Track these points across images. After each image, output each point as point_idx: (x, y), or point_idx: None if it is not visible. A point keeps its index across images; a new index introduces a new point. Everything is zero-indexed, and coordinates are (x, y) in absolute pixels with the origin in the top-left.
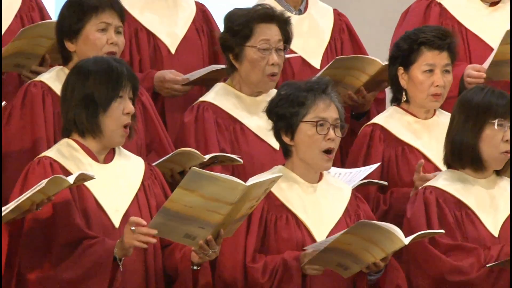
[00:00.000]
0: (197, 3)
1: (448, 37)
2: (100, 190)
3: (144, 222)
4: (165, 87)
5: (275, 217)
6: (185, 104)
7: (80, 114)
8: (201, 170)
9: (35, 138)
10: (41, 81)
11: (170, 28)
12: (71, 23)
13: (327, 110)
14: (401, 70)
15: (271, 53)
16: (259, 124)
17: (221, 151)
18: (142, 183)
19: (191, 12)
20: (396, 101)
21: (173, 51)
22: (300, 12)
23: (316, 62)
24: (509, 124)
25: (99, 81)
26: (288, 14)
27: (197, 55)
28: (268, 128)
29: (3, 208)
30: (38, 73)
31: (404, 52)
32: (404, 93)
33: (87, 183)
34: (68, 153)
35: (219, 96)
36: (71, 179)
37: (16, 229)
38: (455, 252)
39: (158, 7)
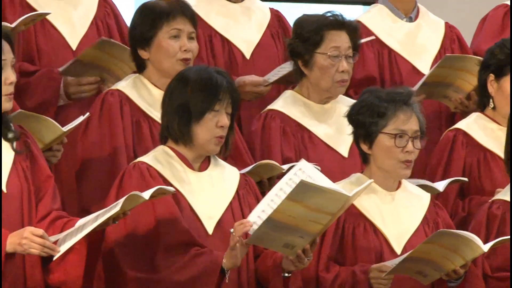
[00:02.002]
0: (271, 9)
1: None
2: (195, 197)
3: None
4: (246, 91)
5: (352, 225)
6: (259, 106)
7: (173, 121)
8: (309, 182)
9: (114, 147)
10: (118, 90)
11: (245, 33)
12: (143, 31)
13: (407, 122)
14: (491, 77)
15: (341, 60)
16: (328, 132)
17: (285, 159)
18: (237, 192)
19: (265, 17)
20: (483, 106)
21: (248, 56)
22: (410, 20)
23: (425, 68)
24: None
25: (197, 90)
26: (356, 22)
27: (272, 60)
28: (339, 135)
29: (79, 234)
30: None
31: (500, 62)
32: (491, 100)
33: (182, 190)
34: (164, 160)
35: (287, 104)
36: (147, 195)
37: (96, 240)
38: (491, 281)
39: (231, 13)
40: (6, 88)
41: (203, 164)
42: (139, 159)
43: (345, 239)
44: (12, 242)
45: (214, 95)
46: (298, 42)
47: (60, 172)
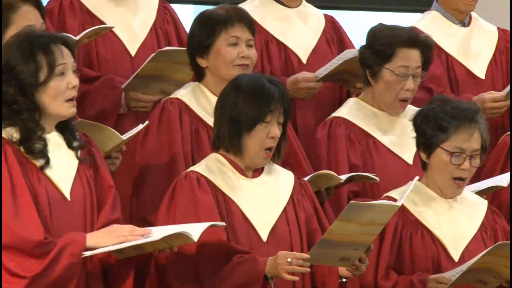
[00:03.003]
0: (325, 15)
1: None
2: (248, 205)
3: (303, 255)
4: (300, 87)
5: (410, 233)
6: (315, 110)
7: (224, 130)
8: (359, 202)
9: (172, 155)
10: (177, 98)
11: (301, 38)
12: (201, 39)
13: (468, 140)
14: None
15: (407, 79)
16: (392, 139)
17: (351, 166)
18: (291, 197)
19: (320, 23)
20: None
21: (304, 61)
22: (464, 25)
23: (481, 73)
24: None
25: (248, 102)
26: (432, 39)
27: None
28: (404, 142)
29: (122, 245)
30: None
31: None
32: None
33: (235, 198)
34: (216, 168)
35: (352, 111)
36: (196, 236)
37: (144, 258)
38: None
39: (287, 18)
40: (69, 92)
41: (256, 170)
42: (191, 168)
43: (403, 246)
44: (96, 237)
45: (266, 106)
46: (369, 53)
47: (116, 180)
